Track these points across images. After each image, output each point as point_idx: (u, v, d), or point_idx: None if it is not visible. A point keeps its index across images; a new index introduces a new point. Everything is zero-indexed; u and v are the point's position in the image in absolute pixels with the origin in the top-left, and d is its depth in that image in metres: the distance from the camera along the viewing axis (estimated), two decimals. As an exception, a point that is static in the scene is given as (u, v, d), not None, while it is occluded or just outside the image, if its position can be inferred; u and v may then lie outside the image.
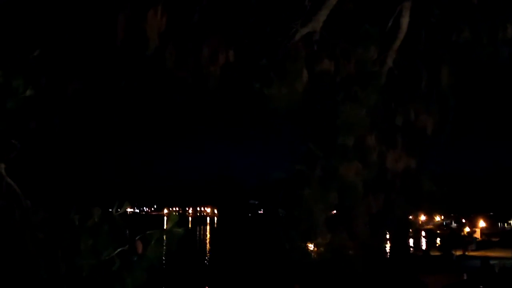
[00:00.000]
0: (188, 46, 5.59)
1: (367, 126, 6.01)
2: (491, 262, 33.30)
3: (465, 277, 33.05)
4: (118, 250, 3.70)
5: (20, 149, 3.63)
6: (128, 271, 3.64)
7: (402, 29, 5.95)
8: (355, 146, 6.16)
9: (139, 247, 3.81)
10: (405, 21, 5.92)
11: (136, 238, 3.84)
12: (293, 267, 7.47)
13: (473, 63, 6.04)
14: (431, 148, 7.01)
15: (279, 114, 5.88)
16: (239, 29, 5.73)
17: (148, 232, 3.88)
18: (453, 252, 45.44)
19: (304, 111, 6.09)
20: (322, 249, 6.44)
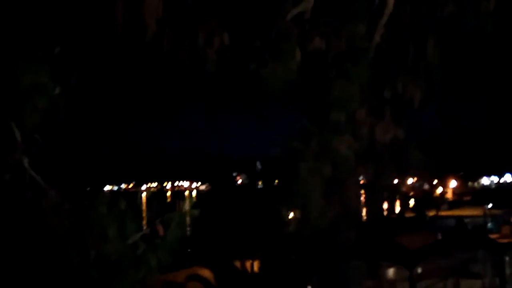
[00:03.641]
0: (184, 31, 5.69)
1: (358, 101, 6.24)
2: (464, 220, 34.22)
3: (439, 237, 33.98)
4: (140, 234, 3.90)
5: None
6: (152, 253, 3.83)
7: (388, 5, 6.14)
8: (347, 120, 6.41)
9: (160, 230, 4.00)
10: (391, -3, 6.11)
11: (157, 221, 4.04)
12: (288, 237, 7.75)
13: (458, 35, 6.29)
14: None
15: (274, 93, 6.06)
16: (233, 12, 5.84)
17: (167, 215, 4.08)
18: (427, 213, 46.49)
19: (298, 89, 6.28)
20: (317, 219, 6.72)
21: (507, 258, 9.08)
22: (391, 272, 9.06)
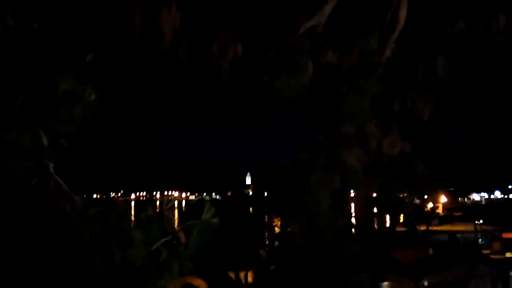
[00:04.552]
0: (199, 42, 5.76)
1: (369, 114, 6.33)
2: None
3: (430, 252, 34.14)
4: (162, 240, 3.92)
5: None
6: (175, 260, 3.86)
7: (400, 21, 6.24)
8: (357, 133, 6.49)
9: (182, 237, 4.03)
10: (403, 13, 6.22)
11: (178, 229, 4.07)
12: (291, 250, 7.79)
13: (467, 53, 6.41)
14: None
15: (286, 105, 6.14)
16: (247, 23, 5.93)
17: (188, 222, 4.11)
18: (418, 228, 46.65)
19: (309, 102, 6.36)
20: (326, 231, 6.76)
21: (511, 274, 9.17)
22: (393, 285, 9.12)
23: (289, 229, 7.61)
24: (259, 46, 6.05)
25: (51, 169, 3.76)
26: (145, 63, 5.82)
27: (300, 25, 6.08)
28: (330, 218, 6.58)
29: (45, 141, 3.63)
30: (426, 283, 8.53)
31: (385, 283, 8.70)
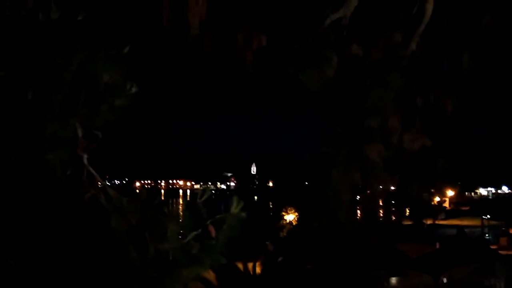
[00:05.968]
0: (224, 33, 5.74)
1: (393, 109, 6.28)
2: (459, 231, 34.36)
3: (437, 246, 34.13)
4: (194, 233, 3.91)
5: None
6: (206, 253, 3.85)
7: (426, 14, 6.17)
8: (379, 127, 6.44)
9: (212, 231, 4.01)
10: (429, 6, 6.15)
11: (208, 223, 4.05)
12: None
13: (494, 48, 6.34)
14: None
15: (309, 97, 6.11)
16: (272, 15, 5.89)
17: (218, 216, 4.09)
18: (424, 221, 46.62)
19: (332, 95, 6.32)
20: (346, 225, 6.74)
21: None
22: (412, 281, 9.09)
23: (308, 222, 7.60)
24: (284, 37, 6.00)
25: (85, 161, 3.74)
26: (169, 53, 5.80)
27: (326, 17, 6.03)
28: (350, 212, 6.56)
29: (80, 132, 3.62)
30: (445, 280, 8.50)
31: (404, 279, 8.68)
